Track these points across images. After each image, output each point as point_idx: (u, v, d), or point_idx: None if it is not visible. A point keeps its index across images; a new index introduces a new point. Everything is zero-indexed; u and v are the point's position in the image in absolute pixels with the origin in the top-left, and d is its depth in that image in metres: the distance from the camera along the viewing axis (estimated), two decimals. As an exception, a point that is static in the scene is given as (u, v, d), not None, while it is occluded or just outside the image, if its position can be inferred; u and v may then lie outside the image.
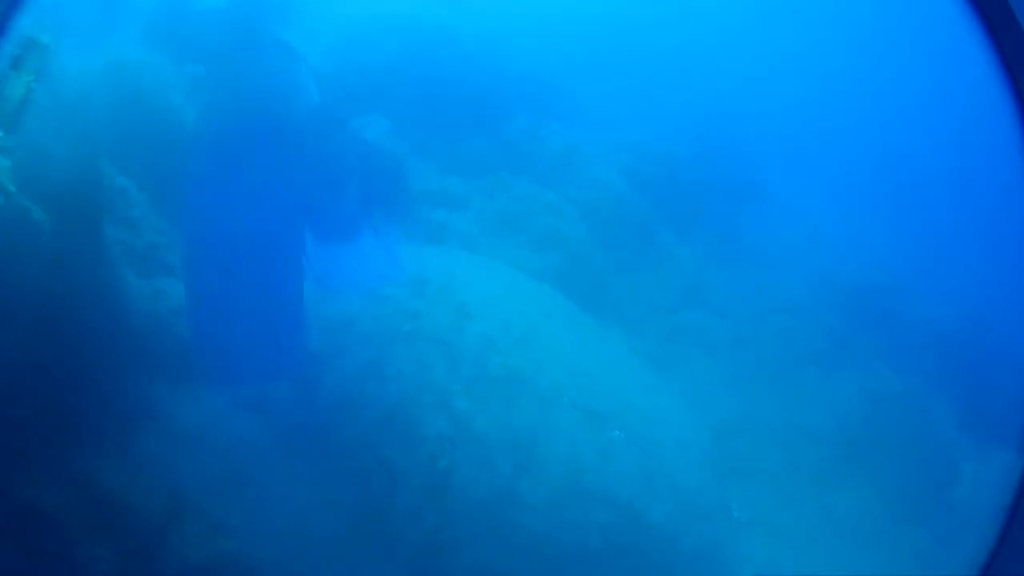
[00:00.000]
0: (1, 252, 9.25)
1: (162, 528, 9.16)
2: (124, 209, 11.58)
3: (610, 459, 10.40)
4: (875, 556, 11.59)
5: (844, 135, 16.97)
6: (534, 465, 10.12)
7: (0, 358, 9.10)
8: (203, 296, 10.71)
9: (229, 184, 11.24)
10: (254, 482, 9.93)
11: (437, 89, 15.91)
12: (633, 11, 18.04)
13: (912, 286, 15.13)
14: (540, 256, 13.67)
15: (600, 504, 10.11)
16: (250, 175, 11.51)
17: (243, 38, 14.68)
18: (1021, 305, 13.26)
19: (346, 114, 14.48)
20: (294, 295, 10.81)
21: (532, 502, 9.93)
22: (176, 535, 9.21)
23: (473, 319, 11.15)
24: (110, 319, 10.22)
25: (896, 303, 14.88)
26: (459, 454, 10.03)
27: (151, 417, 9.77)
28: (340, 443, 10.39)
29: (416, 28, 16.39)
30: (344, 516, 10.01)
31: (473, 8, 16.76)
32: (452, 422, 10.21)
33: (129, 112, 11.90)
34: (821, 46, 17.77)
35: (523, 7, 16.86)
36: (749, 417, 12.68)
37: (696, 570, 10.36)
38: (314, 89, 13.43)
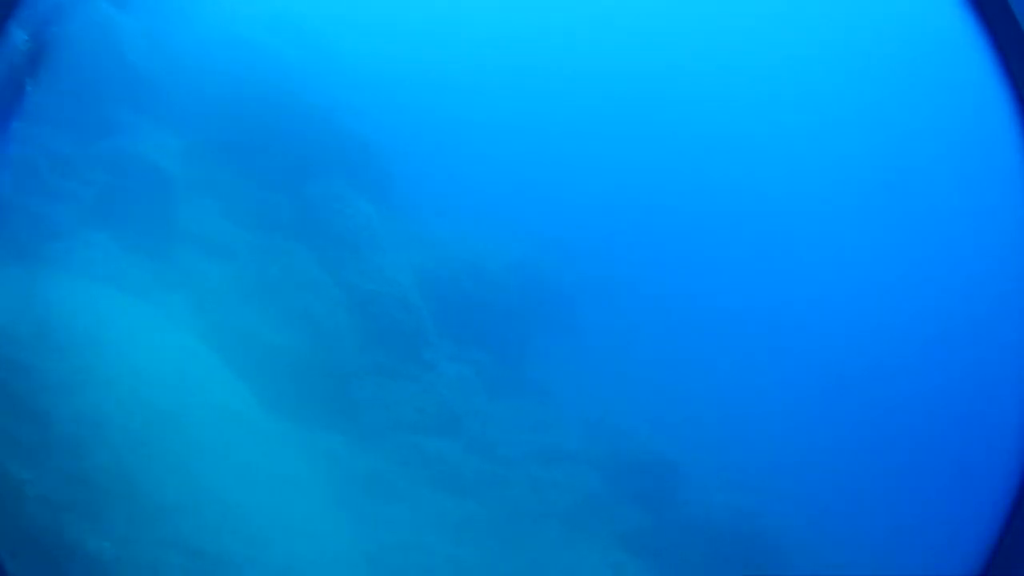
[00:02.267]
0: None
1: None
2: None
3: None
4: None
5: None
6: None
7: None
8: None
9: None
10: None
11: (248, 126, 14.47)
12: (491, 84, 17.23)
13: (696, 464, 13.86)
14: (281, 334, 12.03)
15: None
16: None
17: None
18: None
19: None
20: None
21: None
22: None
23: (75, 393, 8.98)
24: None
25: (675, 482, 13.60)
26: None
27: None
28: None
29: (250, 59, 15.14)
30: None
31: (307, 55, 15.61)
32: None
33: None
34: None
35: (359, 63, 15.82)
36: (457, 573, 10.56)
37: None
38: None
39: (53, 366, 9.02)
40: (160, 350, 10.27)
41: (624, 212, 17.12)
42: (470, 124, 16.99)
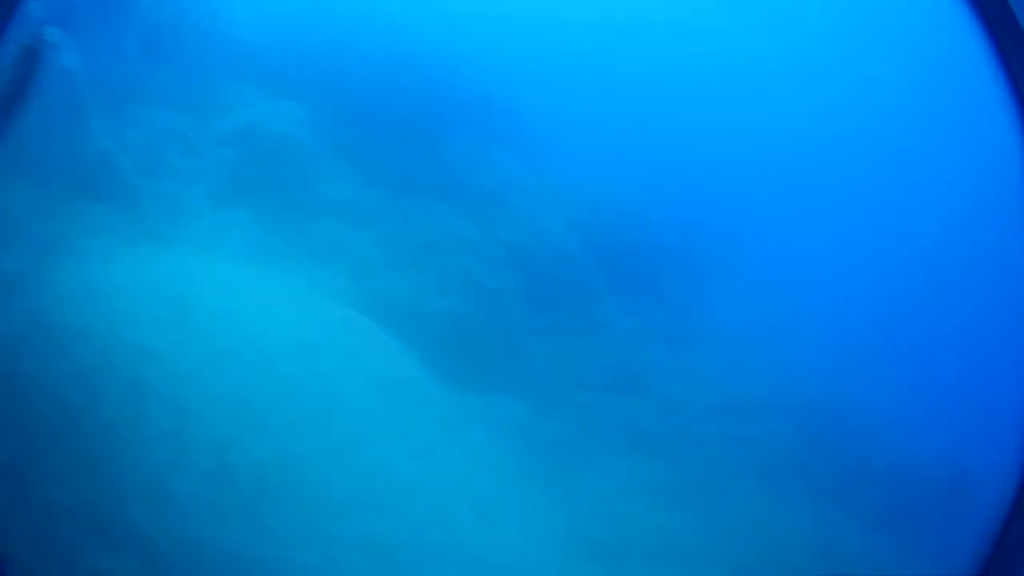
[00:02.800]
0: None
1: None
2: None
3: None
4: None
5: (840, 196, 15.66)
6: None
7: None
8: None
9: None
10: None
11: (375, 88, 13.88)
12: (620, 38, 16.19)
13: (886, 408, 12.51)
14: (443, 298, 11.22)
15: None
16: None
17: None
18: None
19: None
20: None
21: None
22: None
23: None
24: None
25: (867, 427, 12.21)
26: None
27: None
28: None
29: (365, 19, 14.63)
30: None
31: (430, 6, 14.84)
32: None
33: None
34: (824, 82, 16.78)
35: (487, 11, 15.00)
36: (663, 540, 9.41)
37: None
38: None
39: (192, 351, 8.20)
40: (315, 325, 9.48)
41: (787, 148, 16.02)
42: (607, 68, 15.98)
